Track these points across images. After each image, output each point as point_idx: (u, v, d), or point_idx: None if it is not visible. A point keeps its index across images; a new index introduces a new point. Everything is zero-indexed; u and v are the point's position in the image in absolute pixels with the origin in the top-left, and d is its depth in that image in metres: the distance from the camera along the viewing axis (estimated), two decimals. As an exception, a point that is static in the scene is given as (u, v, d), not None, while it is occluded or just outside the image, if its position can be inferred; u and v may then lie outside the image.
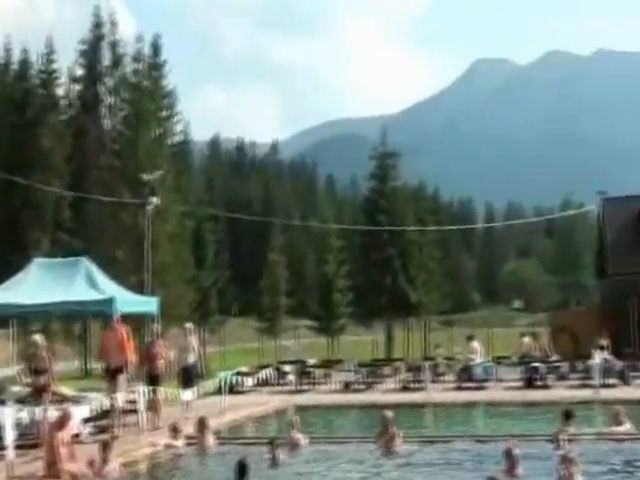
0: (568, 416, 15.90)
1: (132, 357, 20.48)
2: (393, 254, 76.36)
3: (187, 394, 21.77)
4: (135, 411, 19.45)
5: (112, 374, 20.04)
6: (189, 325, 25.01)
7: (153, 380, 20.79)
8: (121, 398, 18.91)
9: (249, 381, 27.30)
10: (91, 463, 14.15)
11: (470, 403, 26.11)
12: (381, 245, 76.06)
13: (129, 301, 22.11)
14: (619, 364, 30.87)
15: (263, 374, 28.97)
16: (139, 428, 19.08)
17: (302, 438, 17.21)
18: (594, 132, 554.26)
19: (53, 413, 15.91)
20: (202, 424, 17.74)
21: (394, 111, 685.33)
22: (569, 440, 15.44)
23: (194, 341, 24.38)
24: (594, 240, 60.61)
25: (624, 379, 30.11)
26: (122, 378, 19.88)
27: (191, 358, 23.75)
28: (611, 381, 29.58)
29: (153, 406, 20.22)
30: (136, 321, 23.00)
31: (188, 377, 23.34)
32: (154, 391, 19.93)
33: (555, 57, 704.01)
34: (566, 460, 12.03)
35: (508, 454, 12.88)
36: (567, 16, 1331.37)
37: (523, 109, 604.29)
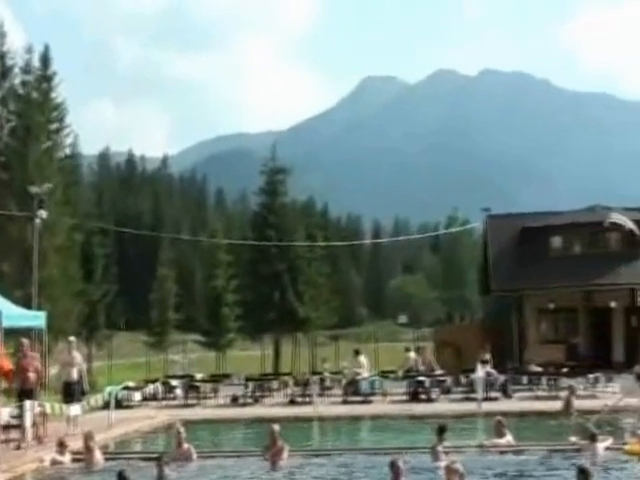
0: (442, 431, 16.30)
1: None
2: (282, 269, 76.49)
3: (73, 409, 21.48)
4: (20, 426, 19.12)
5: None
6: (72, 339, 24.59)
7: (25, 394, 20.23)
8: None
9: (136, 396, 27.12)
10: None
11: (356, 417, 26.41)
12: (270, 260, 76.12)
13: (15, 315, 21.70)
14: (501, 378, 31.65)
15: (151, 389, 28.79)
16: (25, 443, 18.76)
17: (192, 451, 17.19)
18: (481, 147, 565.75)
19: None
20: (89, 439, 17.53)
21: (285, 127, 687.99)
22: (447, 452, 15.79)
23: (78, 355, 24.01)
24: (478, 256, 61.93)
25: (506, 392, 30.87)
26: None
27: (74, 373, 23.35)
28: (493, 394, 30.28)
29: (38, 421, 19.88)
30: (23, 336, 22.49)
31: (71, 392, 22.94)
32: (39, 405, 19.60)
33: (443, 76, 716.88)
34: (451, 471, 12.24)
35: (393, 466, 13.10)
36: (455, 36, 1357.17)
37: (412, 125, 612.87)
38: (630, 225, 43.88)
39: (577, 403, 25.25)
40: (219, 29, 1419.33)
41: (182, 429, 17.88)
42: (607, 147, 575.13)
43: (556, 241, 47.03)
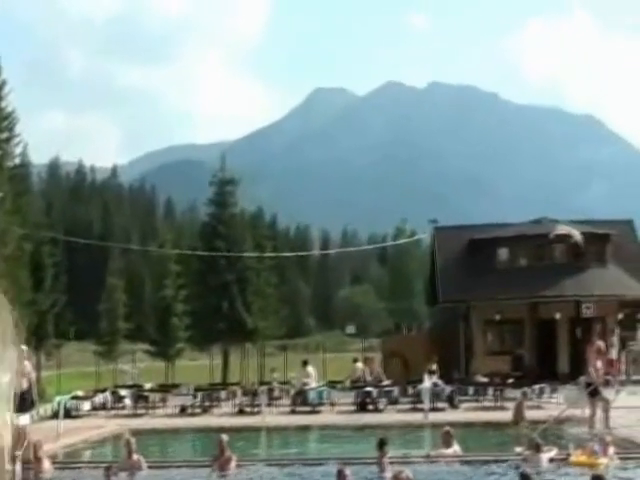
0: (382, 444, 16.42)
1: None
2: (231, 280, 76.33)
3: (22, 418, 21.34)
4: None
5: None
6: (24, 348, 24.46)
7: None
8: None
9: (85, 405, 27.00)
10: None
11: (304, 427, 26.53)
12: (219, 271, 75.95)
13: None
14: (448, 388, 31.95)
15: (100, 398, 28.66)
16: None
17: (142, 461, 17.20)
18: (429, 159, 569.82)
19: None
20: (37, 449, 17.46)
21: (235, 137, 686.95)
22: (392, 463, 15.95)
23: (28, 365, 23.87)
24: (426, 268, 62.32)
25: (452, 403, 31.17)
26: None
27: (24, 382, 23.21)
28: (440, 405, 30.56)
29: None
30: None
31: (22, 402, 22.82)
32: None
33: (391, 88, 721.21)
34: (399, 480, 12.36)
35: (340, 475, 13.25)
36: (403, 48, 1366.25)
37: (361, 137, 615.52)
38: (577, 237, 44.53)
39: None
40: (170, 39, 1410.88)
41: (132, 439, 17.87)
42: (554, 159, 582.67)
43: (503, 253, 47.52)
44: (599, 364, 23.35)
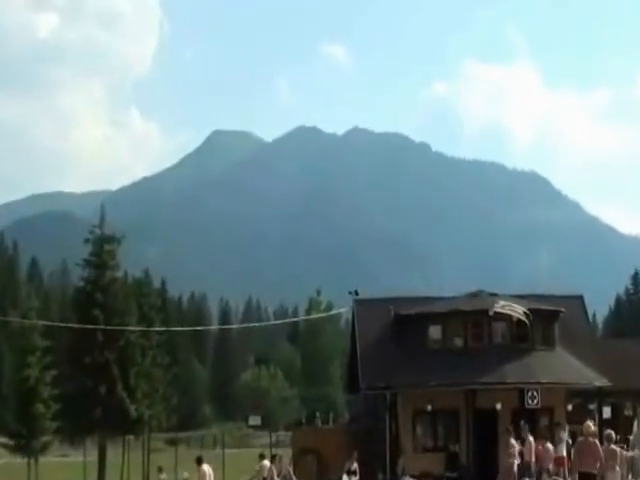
0: None
1: None
2: (110, 358, 75.69)
3: None
4: None
5: None
6: None
7: None
8: None
9: None
10: None
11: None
12: (96, 347, 75.29)
13: None
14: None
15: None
16: None
17: None
18: (348, 217, 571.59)
19: None
20: None
21: (117, 185, 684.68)
22: None
23: None
24: (345, 347, 62.86)
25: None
26: None
27: None
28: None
29: None
30: None
31: None
32: None
33: (304, 134, 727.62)
34: None
35: None
36: (318, 87, 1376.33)
37: (268, 188, 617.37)
38: (519, 314, 45.33)
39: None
40: (38, 68, 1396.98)
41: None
42: (494, 221, 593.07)
43: (435, 332, 48.20)
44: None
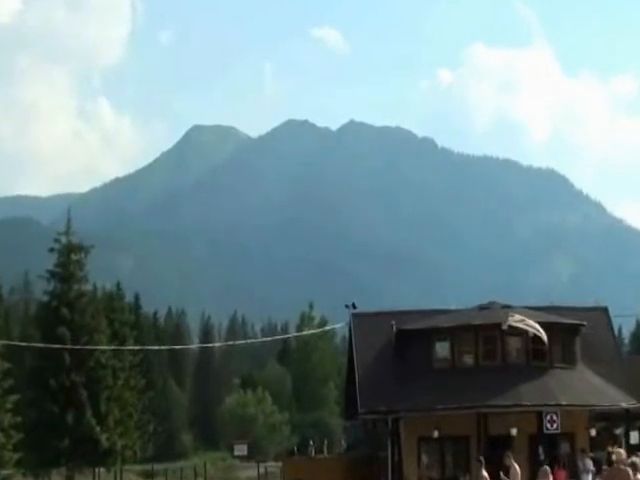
0: None
1: None
2: (78, 382, 75.77)
3: None
4: None
5: None
6: None
7: None
8: None
9: None
10: None
11: None
12: (62, 369, 75.31)
13: None
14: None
15: None
16: None
17: None
18: (343, 224, 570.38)
19: None
20: None
21: (84, 189, 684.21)
22: None
23: None
24: (341, 367, 62.88)
25: None
26: None
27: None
28: None
29: None
30: None
31: None
32: None
33: (295, 128, 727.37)
34: None
35: None
36: (310, 75, 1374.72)
37: (253, 191, 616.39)
38: (535, 329, 45.16)
39: None
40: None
41: None
42: (507, 225, 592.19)
43: (442, 348, 48.19)
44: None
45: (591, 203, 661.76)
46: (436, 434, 45.49)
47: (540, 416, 44.53)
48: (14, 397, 79.08)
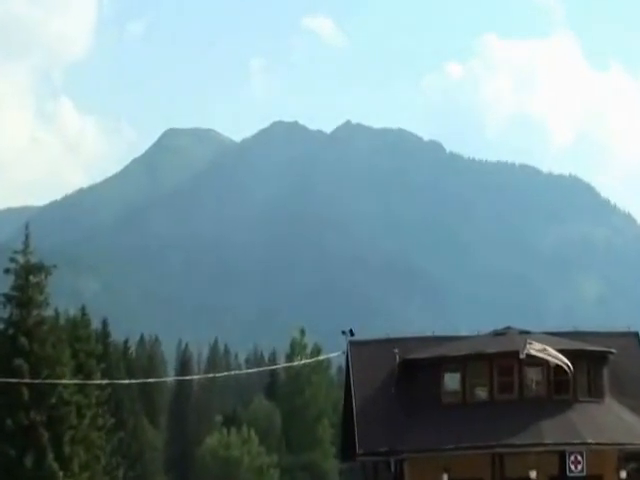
0: None
1: None
2: (38, 420, 75.69)
3: None
4: None
5: None
6: None
7: None
8: None
9: None
10: None
11: None
12: (20, 406, 75.25)
13: None
14: None
15: None
16: None
17: None
18: (338, 237, 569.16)
19: None
20: None
21: (44, 201, 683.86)
22: None
23: None
24: (337, 402, 62.90)
25: None
26: None
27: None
28: None
29: None
30: None
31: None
32: None
33: (283, 130, 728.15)
34: None
35: None
36: (301, 70, 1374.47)
37: (236, 201, 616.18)
38: (557, 359, 45.08)
39: None
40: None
41: None
42: (525, 240, 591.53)
43: (452, 380, 48.20)
44: None
45: (619, 214, 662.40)
46: (445, 478, 45.43)
47: (563, 456, 44.56)
48: (-35, 438, 79.19)
